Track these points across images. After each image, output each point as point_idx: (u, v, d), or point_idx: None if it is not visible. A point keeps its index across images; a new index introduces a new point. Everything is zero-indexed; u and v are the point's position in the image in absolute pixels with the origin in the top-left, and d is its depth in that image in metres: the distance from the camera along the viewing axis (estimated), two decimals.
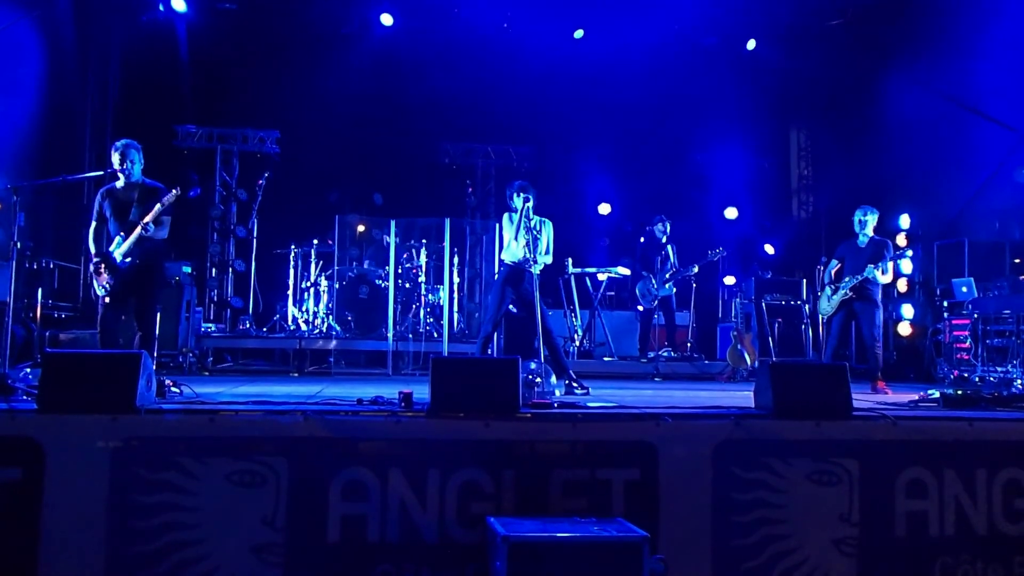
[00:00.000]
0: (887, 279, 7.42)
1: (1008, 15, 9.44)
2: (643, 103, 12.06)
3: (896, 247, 9.78)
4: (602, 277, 11.08)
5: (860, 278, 7.28)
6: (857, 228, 7.52)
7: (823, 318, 7.72)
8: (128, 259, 5.66)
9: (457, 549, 3.95)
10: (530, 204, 6.65)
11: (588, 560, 3.46)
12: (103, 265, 5.66)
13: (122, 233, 5.71)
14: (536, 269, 6.70)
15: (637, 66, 12.49)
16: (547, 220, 6.90)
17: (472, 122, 12.70)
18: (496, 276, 7.35)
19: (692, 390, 7.50)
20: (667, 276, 9.99)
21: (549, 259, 6.87)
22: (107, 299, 5.67)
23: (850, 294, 7.34)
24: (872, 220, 7.50)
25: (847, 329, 7.53)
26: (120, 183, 5.87)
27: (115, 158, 5.82)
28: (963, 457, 4.36)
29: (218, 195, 12.48)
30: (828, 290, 7.50)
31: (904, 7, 11.28)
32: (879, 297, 7.49)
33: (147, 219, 5.60)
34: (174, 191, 5.73)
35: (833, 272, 7.64)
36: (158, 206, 5.66)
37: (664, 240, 10.24)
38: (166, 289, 9.23)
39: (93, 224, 5.88)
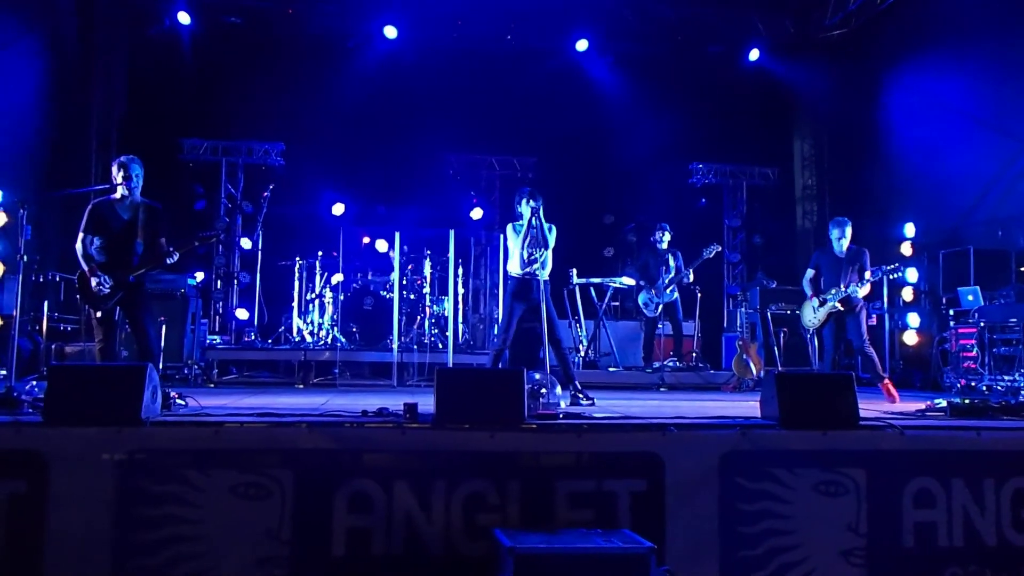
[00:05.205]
0: (865, 291, 7.45)
1: (1008, 27, 9.45)
2: (647, 113, 12.09)
3: (899, 258, 9.82)
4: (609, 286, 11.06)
5: (846, 293, 7.33)
6: (834, 243, 7.55)
7: (811, 329, 7.77)
8: (131, 278, 5.69)
9: (463, 561, 3.93)
10: (538, 209, 6.61)
11: (594, 572, 3.45)
12: (102, 281, 5.60)
13: (121, 250, 5.68)
14: (544, 274, 6.68)
15: (641, 76, 12.57)
16: (551, 225, 6.89)
17: (476, 133, 12.73)
18: (505, 289, 7.32)
19: (698, 400, 7.47)
20: (667, 281, 9.97)
21: (549, 259, 6.82)
22: (100, 315, 5.63)
23: (839, 306, 7.38)
24: (848, 232, 7.52)
25: (839, 338, 7.58)
26: (118, 198, 5.72)
27: (119, 173, 5.68)
28: (971, 467, 4.34)
29: (223, 208, 12.50)
30: (815, 301, 7.54)
31: (907, 18, 11.31)
32: (862, 302, 7.51)
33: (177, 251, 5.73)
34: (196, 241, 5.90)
35: (809, 280, 7.68)
36: (196, 242, 5.84)
37: (665, 248, 10.22)
38: (171, 302, 9.29)
39: (81, 236, 5.67)
